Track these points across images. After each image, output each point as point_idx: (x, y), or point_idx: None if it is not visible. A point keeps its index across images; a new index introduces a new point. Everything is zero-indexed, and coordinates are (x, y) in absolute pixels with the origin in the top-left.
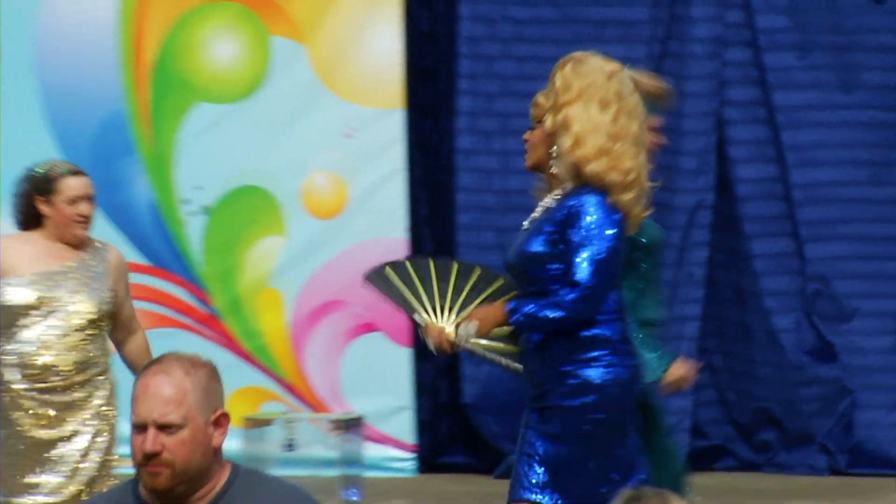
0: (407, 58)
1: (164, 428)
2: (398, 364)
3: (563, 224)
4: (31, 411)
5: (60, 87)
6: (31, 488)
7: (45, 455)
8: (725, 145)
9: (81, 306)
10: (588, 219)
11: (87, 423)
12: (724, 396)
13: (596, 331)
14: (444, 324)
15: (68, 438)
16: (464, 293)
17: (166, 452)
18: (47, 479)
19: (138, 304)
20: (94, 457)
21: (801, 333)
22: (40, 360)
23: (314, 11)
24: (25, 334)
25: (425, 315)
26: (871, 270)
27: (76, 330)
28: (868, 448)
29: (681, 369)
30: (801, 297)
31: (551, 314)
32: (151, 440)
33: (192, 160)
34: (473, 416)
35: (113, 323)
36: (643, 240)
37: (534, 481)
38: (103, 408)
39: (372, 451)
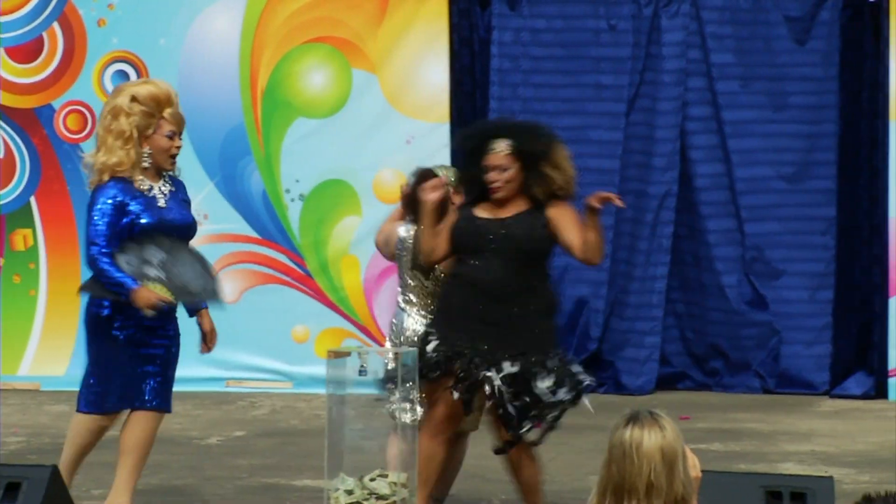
0: (452, 85)
1: None
2: None
3: None
4: None
5: (196, 107)
6: None
7: None
8: (687, 149)
9: None
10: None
11: None
12: (685, 335)
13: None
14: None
15: None
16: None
17: None
18: None
19: (254, 268)
20: None
21: (742, 288)
22: None
23: (384, 51)
24: None
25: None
26: (794, 242)
27: None
28: (791, 374)
29: None
30: (742, 262)
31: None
32: None
33: (293, 160)
34: None
35: None
36: None
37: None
38: None
39: None
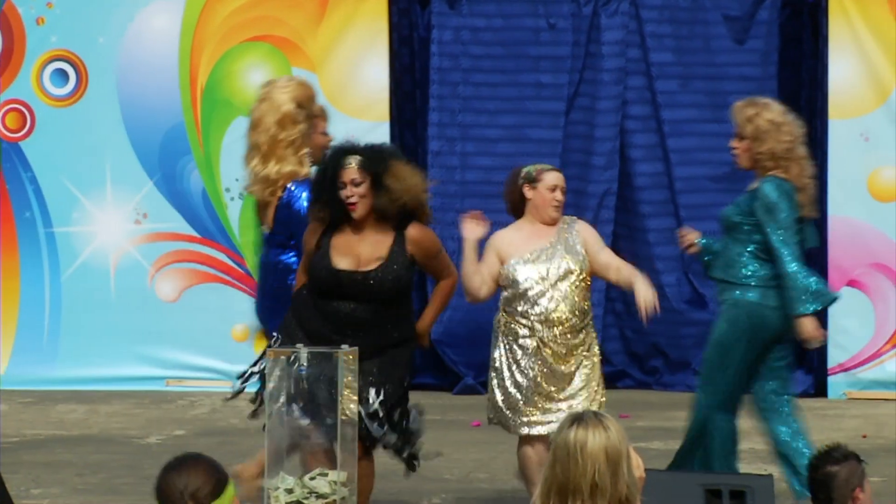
0: (392, 84)
1: None
2: None
3: None
4: (552, 354)
5: (135, 105)
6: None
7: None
8: (626, 148)
9: (569, 267)
10: None
11: (585, 359)
12: (625, 333)
13: None
14: None
15: (573, 372)
16: None
17: None
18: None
19: (193, 267)
20: (586, 386)
21: (682, 288)
22: (556, 314)
23: (325, 50)
24: (544, 297)
25: None
26: None
27: (570, 285)
28: None
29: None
30: (682, 261)
31: None
32: None
33: (232, 159)
34: (439, 348)
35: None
36: None
37: None
38: (594, 346)
39: None
